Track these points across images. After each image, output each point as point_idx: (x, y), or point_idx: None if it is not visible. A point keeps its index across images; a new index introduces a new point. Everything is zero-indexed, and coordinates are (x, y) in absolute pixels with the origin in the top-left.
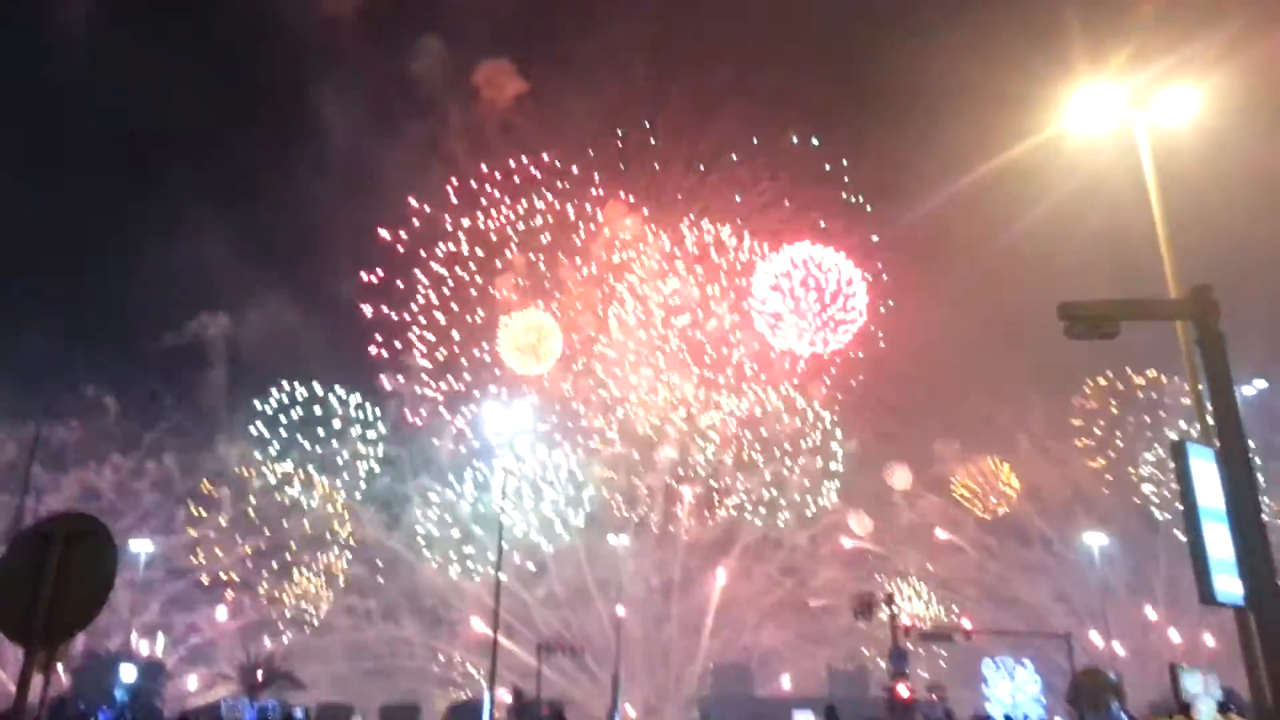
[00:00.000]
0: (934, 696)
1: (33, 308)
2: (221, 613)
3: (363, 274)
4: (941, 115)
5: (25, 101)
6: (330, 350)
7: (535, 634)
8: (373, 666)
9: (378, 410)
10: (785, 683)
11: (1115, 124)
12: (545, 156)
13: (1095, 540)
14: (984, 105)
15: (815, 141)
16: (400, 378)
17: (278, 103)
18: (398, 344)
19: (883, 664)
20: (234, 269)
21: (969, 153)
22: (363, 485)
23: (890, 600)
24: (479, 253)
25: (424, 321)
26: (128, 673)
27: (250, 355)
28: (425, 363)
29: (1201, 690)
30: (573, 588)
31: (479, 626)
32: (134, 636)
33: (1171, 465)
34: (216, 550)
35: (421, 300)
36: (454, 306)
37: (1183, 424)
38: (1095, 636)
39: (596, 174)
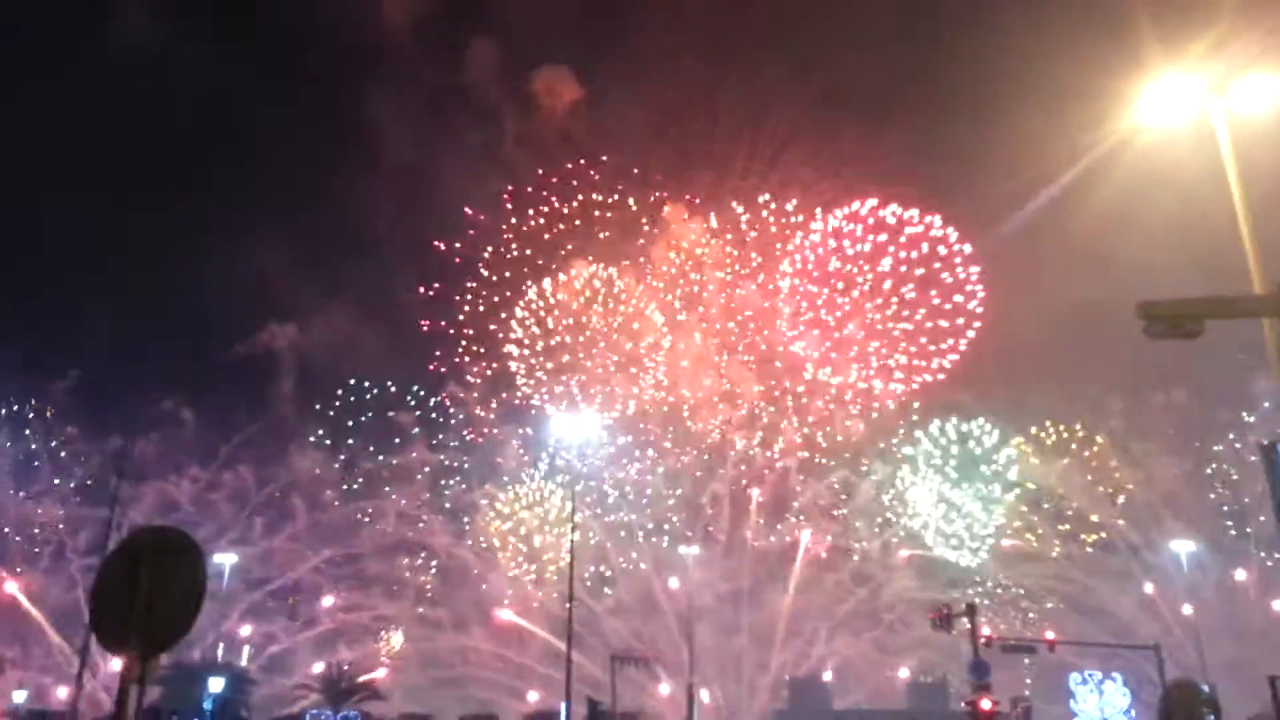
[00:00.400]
0: (1018, 710)
1: (107, 320)
2: (325, 601)
3: (420, 288)
4: (1012, 110)
5: (92, 114)
6: (393, 358)
7: (603, 643)
8: (441, 676)
9: (440, 418)
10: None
11: (1192, 114)
12: (604, 158)
13: (1183, 547)
14: (1056, 100)
15: (878, 136)
16: (462, 392)
17: (336, 112)
18: (459, 355)
19: (954, 677)
20: (297, 279)
21: (1040, 148)
22: (428, 495)
23: (971, 611)
24: (539, 260)
25: (472, 333)
26: (215, 683)
27: (317, 365)
28: (479, 375)
29: None
30: (640, 597)
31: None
32: (220, 647)
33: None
34: (293, 560)
35: (480, 309)
36: (521, 318)
37: None
38: (1187, 647)
39: (656, 176)
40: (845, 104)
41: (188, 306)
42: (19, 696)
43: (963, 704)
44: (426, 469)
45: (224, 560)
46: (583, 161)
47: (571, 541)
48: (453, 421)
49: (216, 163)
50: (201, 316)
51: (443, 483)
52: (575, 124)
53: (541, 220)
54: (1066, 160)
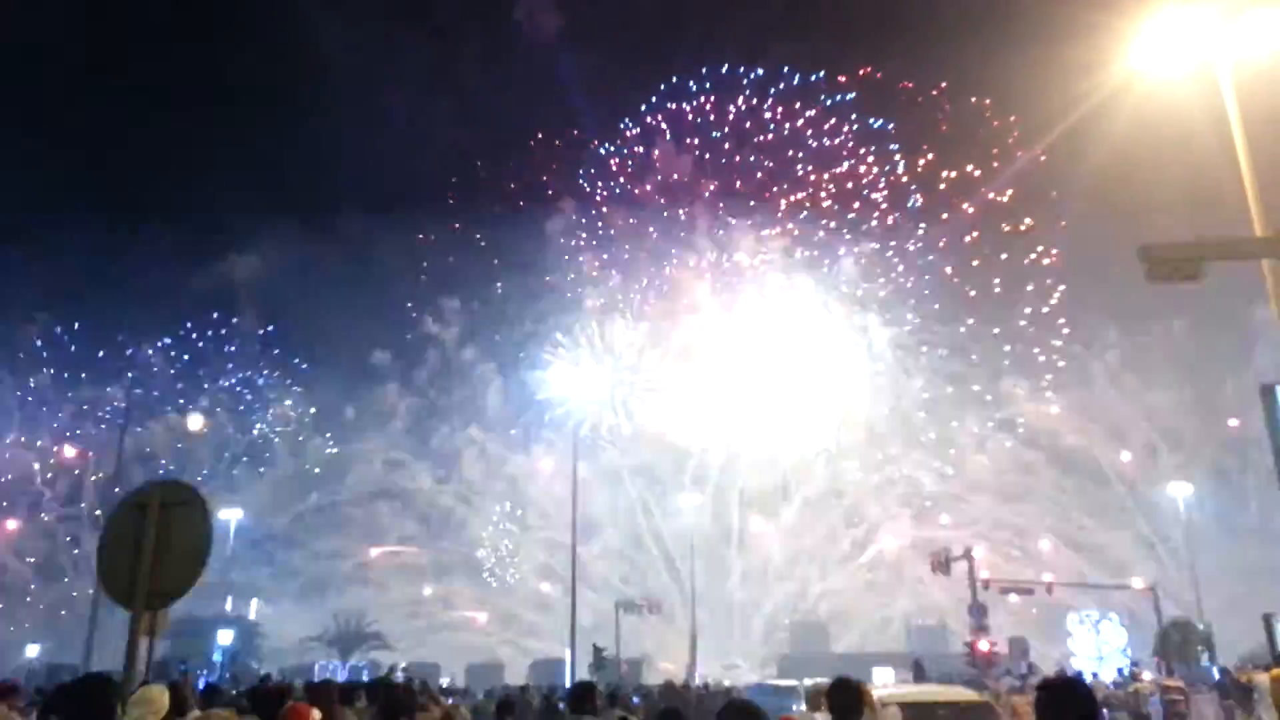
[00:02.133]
0: (1016, 652)
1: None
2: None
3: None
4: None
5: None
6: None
7: (591, 588)
8: (426, 625)
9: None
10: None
11: (1193, 55)
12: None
13: (1180, 491)
14: (1051, 37)
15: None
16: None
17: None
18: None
19: (950, 620)
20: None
21: (1034, 86)
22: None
23: (969, 554)
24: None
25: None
26: (225, 635)
27: (285, 301)
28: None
29: None
30: (627, 539)
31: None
32: (229, 600)
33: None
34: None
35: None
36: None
37: None
38: (1184, 585)
39: None
40: (835, 42)
41: (149, 241)
42: (32, 651)
43: (961, 645)
44: (404, 407)
45: (229, 515)
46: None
47: (574, 492)
48: (431, 361)
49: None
50: (166, 251)
51: (428, 424)
52: None
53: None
54: (1069, 103)
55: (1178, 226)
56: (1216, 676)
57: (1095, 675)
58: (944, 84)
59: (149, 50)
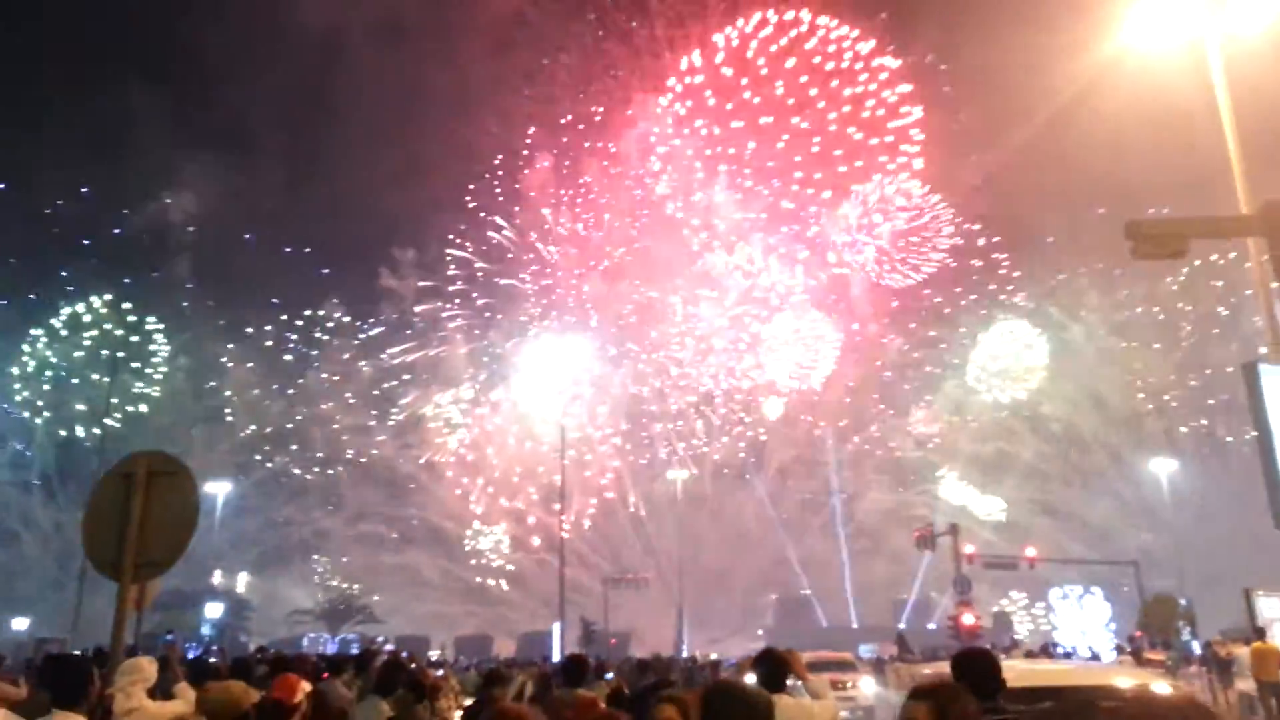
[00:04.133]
0: (1000, 626)
1: None
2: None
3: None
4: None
5: None
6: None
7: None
8: (417, 594)
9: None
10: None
11: (1183, 33)
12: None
13: (1163, 467)
14: (1042, 14)
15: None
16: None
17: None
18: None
19: (933, 595)
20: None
21: (1027, 60)
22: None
23: (955, 530)
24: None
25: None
26: (213, 609)
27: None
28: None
29: (1278, 614)
30: (605, 512)
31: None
32: (218, 573)
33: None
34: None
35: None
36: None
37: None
38: (1166, 558)
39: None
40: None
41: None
42: (20, 624)
43: (946, 619)
44: (362, 366)
45: (216, 489)
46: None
47: (563, 469)
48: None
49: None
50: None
51: (388, 386)
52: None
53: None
54: (1056, 82)
55: (1167, 201)
56: (1198, 651)
57: (1092, 650)
58: (929, 58)
59: None
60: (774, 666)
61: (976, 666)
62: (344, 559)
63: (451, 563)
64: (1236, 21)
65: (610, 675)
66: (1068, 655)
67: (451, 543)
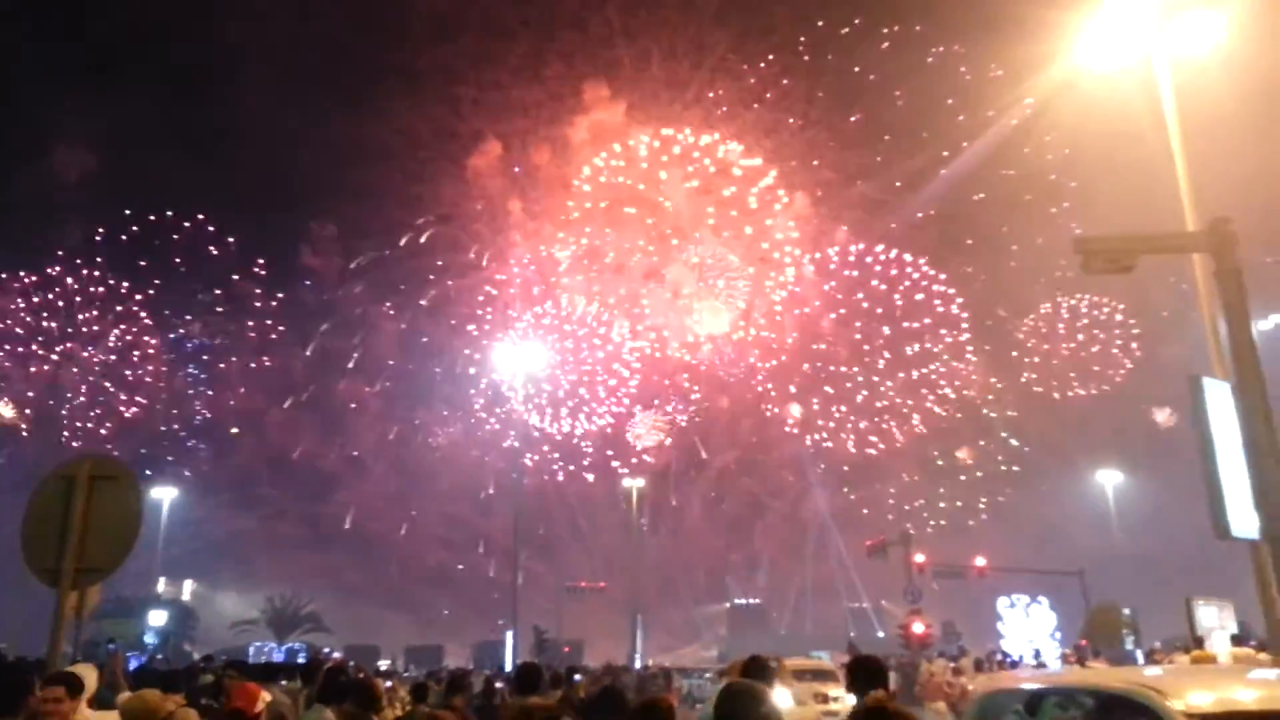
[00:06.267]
0: (948, 634)
1: None
2: None
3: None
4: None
5: None
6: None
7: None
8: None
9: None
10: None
11: (1133, 52)
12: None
13: (1110, 479)
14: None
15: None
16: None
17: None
18: None
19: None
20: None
21: (976, 80)
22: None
23: (906, 539)
24: None
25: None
26: (157, 616)
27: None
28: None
29: (1216, 623)
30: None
31: None
32: (161, 581)
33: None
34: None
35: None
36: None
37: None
38: (1110, 567)
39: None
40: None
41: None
42: None
43: (895, 628)
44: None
45: (162, 495)
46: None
47: (515, 474)
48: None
49: None
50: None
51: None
52: None
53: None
54: (1012, 101)
55: (1118, 217)
56: (1140, 660)
57: (1037, 655)
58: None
59: None
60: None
61: (864, 666)
62: (288, 564)
63: (385, 567)
64: (1185, 41)
65: (579, 678)
66: (1014, 664)
67: (385, 546)
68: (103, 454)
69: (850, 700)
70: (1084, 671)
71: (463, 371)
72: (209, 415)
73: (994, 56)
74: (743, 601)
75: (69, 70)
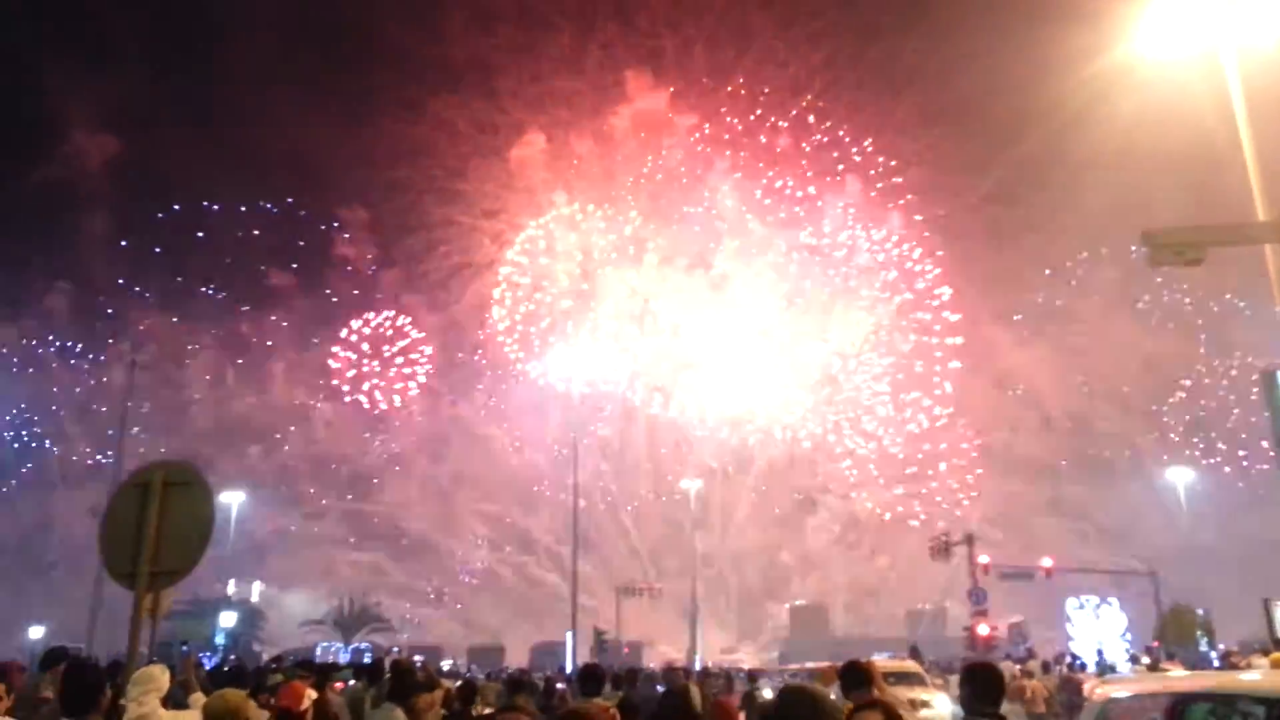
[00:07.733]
0: (1015, 636)
1: None
2: None
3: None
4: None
5: None
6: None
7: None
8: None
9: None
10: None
11: (1196, 40)
12: None
13: (1181, 476)
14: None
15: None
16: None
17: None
18: None
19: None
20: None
21: (1034, 72)
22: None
23: (970, 540)
24: None
25: None
26: (227, 618)
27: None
28: None
29: None
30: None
31: None
32: (232, 583)
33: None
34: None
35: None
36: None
37: None
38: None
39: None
40: (828, 24)
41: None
42: (35, 633)
43: (961, 630)
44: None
45: (230, 499)
46: None
47: (575, 483)
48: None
49: None
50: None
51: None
52: None
53: None
54: (1069, 89)
55: (1182, 208)
56: (1216, 662)
57: (1100, 657)
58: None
59: None
60: (857, 677)
61: (981, 677)
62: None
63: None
64: (1252, 32)
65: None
66: (1083, 667)
67: (441, 549)
68: (176, 460)
69: (945, 710)
70: (1247, 675)
71: (510, 370)
72: (263, 419)
73: (1049, 45)
74: (802, 602)
75: (104, 64)
